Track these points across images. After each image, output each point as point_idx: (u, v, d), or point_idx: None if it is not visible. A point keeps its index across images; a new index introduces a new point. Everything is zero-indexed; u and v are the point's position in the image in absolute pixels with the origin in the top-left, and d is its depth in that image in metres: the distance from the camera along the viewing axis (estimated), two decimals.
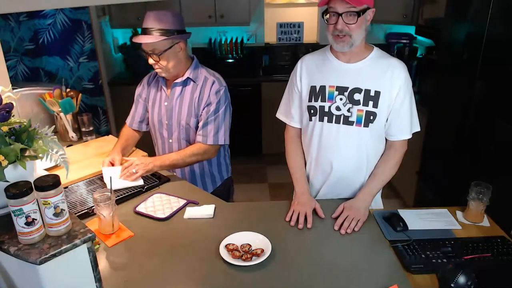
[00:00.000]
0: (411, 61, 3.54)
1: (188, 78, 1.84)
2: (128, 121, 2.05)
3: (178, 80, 1.84)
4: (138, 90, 2.01)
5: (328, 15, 1.42)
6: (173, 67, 1.79)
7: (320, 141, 1.58)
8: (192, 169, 1.96)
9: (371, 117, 1.49)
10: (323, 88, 1.53)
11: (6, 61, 2.36)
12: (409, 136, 1.56)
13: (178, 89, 1.86)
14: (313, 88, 1.55)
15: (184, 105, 1.85)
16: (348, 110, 1.50)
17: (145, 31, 1.73)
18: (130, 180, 1.73)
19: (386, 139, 1.59)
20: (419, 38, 3.70)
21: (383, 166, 1.58)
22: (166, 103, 1.89)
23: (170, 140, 1.93)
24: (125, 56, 4.10)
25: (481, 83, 2.20)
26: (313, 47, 4.10)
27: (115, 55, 4.09)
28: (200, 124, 1.82)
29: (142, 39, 1.72)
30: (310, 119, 1.58)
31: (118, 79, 4.00)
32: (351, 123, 1.51)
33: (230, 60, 4.19)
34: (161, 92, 1.91)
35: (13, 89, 1.19)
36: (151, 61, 1.77)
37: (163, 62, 1.76)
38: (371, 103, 1.48)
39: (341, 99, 1.50)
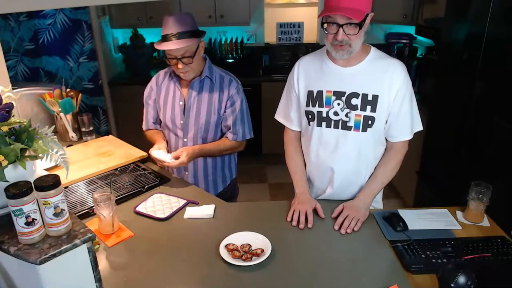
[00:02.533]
0: (411, 61, 3.53)
1: (206, 76, 1.85)
2: (144, 126, 2.06)
3: (196, 79, 1.85)
4: (146, 92, 2.00)
5: (326, 24, 1.39)
6: (197, 67, 1.82)
7: (319, 146, 1.57)
8: (205, 168, 1.96)
9: (369, 122, 1.47)
10: (320, 93, 1.52)
11: (6, 61, 2.36)
12: (410, 137, 1.54)
13: (195, 88, 1.86)
14: (310, 93, 1.54)
15: (203, 103, 1.86)
16: (346, 115, 1.48)
17: (170, 37, 1.69)
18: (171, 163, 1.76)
19: (386, 140, 1.58)
20: (419, 38, 3.70)
21: (383, 167, 1.57)
22: (181, 103, 1.89)
23: (185, 139, 1.92)
24: (125, 56, 4.10)
25: (481, 83, 2.20)
26: (313, 47, 4.10)
27: (115, 55, 4.09)
28: (229, 123, 1.87)
29: (172, 45, 1.68)
30: (309, 124, 1.57)
31: (118, 79, 4.00)
32: (349, 128, 1.49)
33: (230, 60, 4.19)
34: (175, 92, 1.90)
35: (13, 89, 1.19)
36: (180, 65, 1.75)
37: (194, 63, 1.77)
38: (369, 107, 1.46)
39: (338, 104, 1.49)
